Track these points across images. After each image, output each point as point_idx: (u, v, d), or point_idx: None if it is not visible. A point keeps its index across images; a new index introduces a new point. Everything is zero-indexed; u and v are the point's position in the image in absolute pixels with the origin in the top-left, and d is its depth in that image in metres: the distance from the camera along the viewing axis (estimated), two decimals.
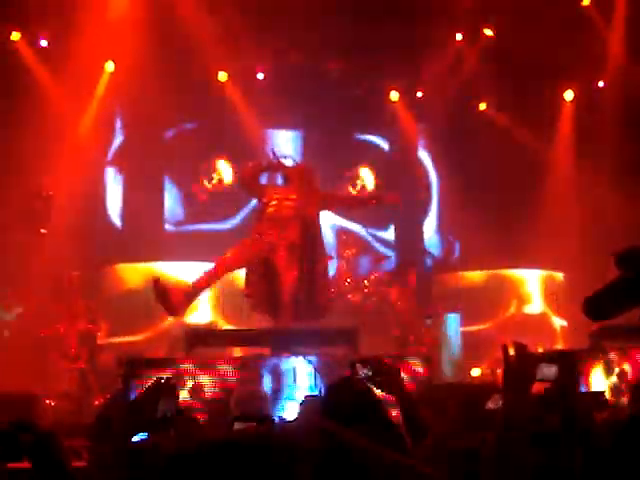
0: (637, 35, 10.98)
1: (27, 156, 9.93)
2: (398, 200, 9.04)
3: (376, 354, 7.28)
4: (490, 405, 5.99)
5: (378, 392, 2.99)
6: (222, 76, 11.47)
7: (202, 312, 10.59)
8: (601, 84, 12.08)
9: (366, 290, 10.86)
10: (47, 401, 8.14)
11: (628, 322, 7.56)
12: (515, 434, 2.19)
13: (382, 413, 2.61)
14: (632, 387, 5.74)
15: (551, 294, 11.74)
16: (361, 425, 2.51)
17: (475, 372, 10.16)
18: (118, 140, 11.83)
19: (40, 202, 10.09)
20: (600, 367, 6.81)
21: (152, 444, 3.28)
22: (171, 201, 12.04)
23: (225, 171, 11.99)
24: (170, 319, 9.77)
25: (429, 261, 12.88)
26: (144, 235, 11.07)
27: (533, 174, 12.16)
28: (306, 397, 4.95)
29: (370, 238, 12.57)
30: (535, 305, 11.78)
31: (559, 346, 10.90)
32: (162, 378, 3.15)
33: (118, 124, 11.78)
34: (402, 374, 3.26)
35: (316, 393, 6.24)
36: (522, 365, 2.24)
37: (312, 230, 8.26)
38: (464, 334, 10.39)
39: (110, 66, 11.02)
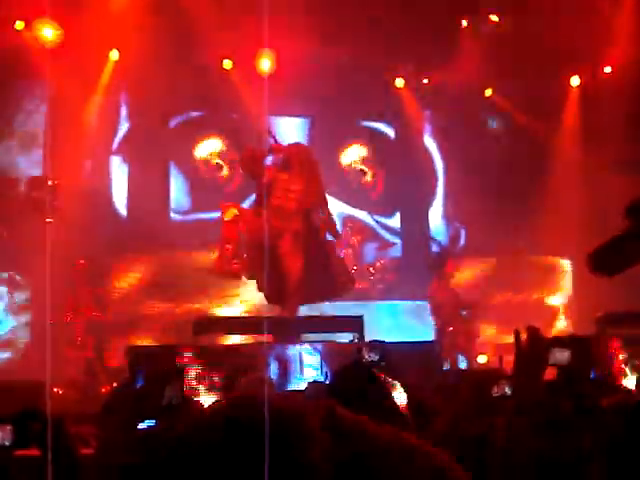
0: None
1: (31, 145, 9.93)
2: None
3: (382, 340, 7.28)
4: (496, 391, 5.98)
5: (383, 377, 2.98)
6: (227, 64, 11.44)
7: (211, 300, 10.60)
8: (608, 70, 12.01)
9: (372, 277, 10.86)
10: (54, 389, 8.17)
11: (635, 309, 7.56)
12: (526, 419, 2.18)
13: (388, 399, 2.59)
14: None
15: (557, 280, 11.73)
16: (367, 410, 2.50)
17: (481, 359, 10.15)
18: (123, 129, 11.81)
19: (45, 191, 10.09)
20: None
21: (159, 430, 3.29)
22: (177, 190, 12.02)
23: (229, 158, 11.97)
24: (178, 307, 9.78)
25: (436, 248, 12.86)
26: (150, 224, 11.06)
27: (539, 160, 12.12)
28: (310, 383, 4.96)
29: (376, 225, 12.55)
30: (541, 292, 11.77)
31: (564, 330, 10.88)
32: (169, 366, 3.16)
33: (123, 113, 11.76)
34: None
35: (321, 379, 6.24)
36: (535, 349, 2.21)
37: (314, 218, 8.28)
38: None
39: (115, 54, 10.99)
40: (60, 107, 10.39)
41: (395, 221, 12.78)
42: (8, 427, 2.77)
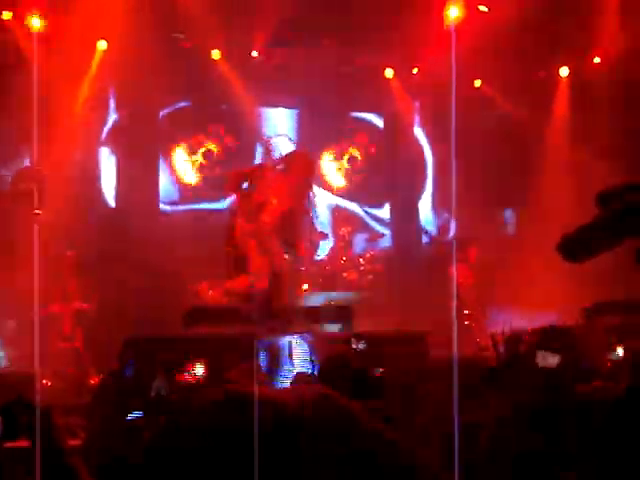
0: (633, 9, 10.92)
1: (18, 137, 9.88)
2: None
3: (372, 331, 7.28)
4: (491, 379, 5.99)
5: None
6: (215, 54, 11.40)
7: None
8: (597, 60, 12.02)
9: (362, 268, 10.85)
10: (43, 381, 8.15)
11: (627, 298, 7.58)
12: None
13: (375, 387, 2.60)
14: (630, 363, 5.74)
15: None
16: (356, 399, 2.50)
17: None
18: (112, 119, 11.76)
19: (33, 183, 10.05)
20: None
21: (145, 421, 3.29)
22: (166, 181, 11.99)
23: (218, 149, 11.94)
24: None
25: (426, 239, 12.88)
26: (139, 215, 11.03)
27: (528, 150, 12.14)
28: (298, 374, 4.96)
29: (365, 216, 12.55)
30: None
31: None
32: (156, 358, 3.16)
33: (111, 103, 11.70)
34: None
35: (309, 370, 6.25)
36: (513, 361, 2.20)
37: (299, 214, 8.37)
38: None
39: (103, 44, 10.94)
40: (48, 98, 10.33)
41: (385, 212, 12.79)
42: None
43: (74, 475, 2.74)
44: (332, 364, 2.73)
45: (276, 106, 12.24)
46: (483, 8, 11.44)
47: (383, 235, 12.30)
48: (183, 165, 11.92)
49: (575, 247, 2.77)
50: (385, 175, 12.58)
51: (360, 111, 12.72)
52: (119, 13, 10.23)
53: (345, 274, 10.74)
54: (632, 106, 11.39)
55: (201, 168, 11.92)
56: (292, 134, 11.95)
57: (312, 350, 6.75)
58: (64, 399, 7.51)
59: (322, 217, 11.75)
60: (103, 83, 11.14)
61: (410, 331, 8.86)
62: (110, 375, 6.08)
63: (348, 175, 12.57)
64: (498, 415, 2.19)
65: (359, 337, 2.76)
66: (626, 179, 10.65)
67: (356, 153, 12.58)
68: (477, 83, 12.43)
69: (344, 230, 11.07)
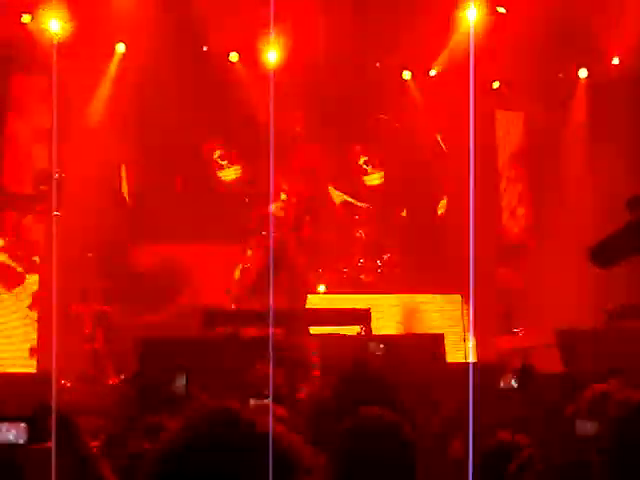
0: None
1: (37, 139, 9.95)
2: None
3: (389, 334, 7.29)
4: (502, 385, 5.98)
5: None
6: (233, 56, 11.45)
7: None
8: (616, 61, 11.97)
9: (379, 271, 10.86)
10: (62, 382, 8.21)
11: None
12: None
13: (393, 396, 2.61)
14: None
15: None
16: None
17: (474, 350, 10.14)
18: (129, 121, 11.81)
19: (53, 185, 10.12)
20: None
21: (165, 422, 3.31)
22: (184, 181, 12.02)
23: (233, 150, 11.96)
24: (185, 300, 9.82)
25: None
26: (158, 216, 11.09)
27: (547, 153, 12.10)
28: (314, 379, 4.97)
29: (383, 218, 12.53)
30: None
31: None
32: (176, 360, 3.20)
33: (129, 105, 11.75)
34: None
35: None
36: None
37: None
38: None
39: (121, 47, 11.00)
40: (67, 100, 10.40)
41: (403, 215, 12.75)
42: (22, 425, 2.79)
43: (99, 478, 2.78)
44: (351, 375, 2.73)
45: (292, 108, 12.25)
46: (501, 10, 11.43)
47: (400, 237, 12.28)
48: (200, 165, 11.96)
49: (605, 254, 2.81)
50: (403, 178, 12.55)
51: (377, 112, 12.70)
52: (137, 17, 10.30)
53: (363, 276, 10.75)
54: None
55: (217, 167, 11.93)
56: (308, 135, 11.98)
57: (331, 352, 6.77)
58: (84, 400, 7.56)
59: (340, 219, 11.78)
60: (121, 86, 11.20)
61: (426, 334, 8.87)
62: (130, 376, 6.12)
63: (365, 178, 12.56)
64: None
65: (377, 342, 2.77)
66: None
67: (373, 155, 12.56)
68: (495, 85, 12.40)
69: (361, 232, 11.07)
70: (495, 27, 11.45)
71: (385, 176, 12.31)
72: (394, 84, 12.22)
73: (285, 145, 10.97)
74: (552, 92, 12.09)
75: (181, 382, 4.79)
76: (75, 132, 10.49)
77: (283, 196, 9.05)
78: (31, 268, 10.27)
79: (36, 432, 2.77)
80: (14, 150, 10.79)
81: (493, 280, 10.27)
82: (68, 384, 8.39)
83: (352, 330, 7.88)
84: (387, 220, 12.53)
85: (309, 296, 9.35)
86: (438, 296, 10.83)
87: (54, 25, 10.59)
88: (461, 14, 11.39)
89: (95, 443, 4.75)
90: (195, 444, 1.45)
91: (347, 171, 12.27)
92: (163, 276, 10.74)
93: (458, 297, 10.36)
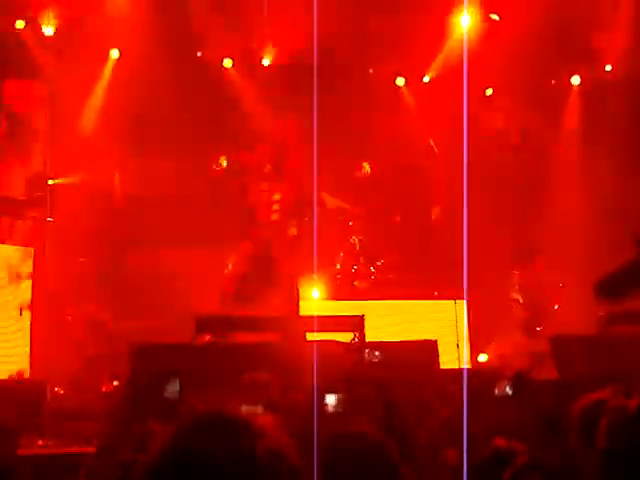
0: None
1: (31, 144, 9.93)
2: None
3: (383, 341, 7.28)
4: (497, 392, 5.98)
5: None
6: (227, 62, 11.45)
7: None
8: (609, 68, 12.01)
9: (373, 277, 10.85)
10: (55, 388, 8.17)
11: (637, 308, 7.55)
12: None
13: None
14: None
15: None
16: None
17: (482, 358, 10.14)
18: (123, 127, 11.80)
19: (46, 190, 10.11)
20: None
21: (158, 428, 3.30)
22: (179, 186, 12.00)
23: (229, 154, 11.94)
24: (179, 305, 9.80)
25: None
26: (151, 221, 11.08)
27: (539, 160, 12.13)
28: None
29: (377, 224, 12.52)
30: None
31: None
32: (169, 365, 3.18)
33: (123, 111, 11.74)
34: None
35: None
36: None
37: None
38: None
39: (115, 53, 11.00)
40: (60, 105, 10.39)
41: (396, 220, 12.75)
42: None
43: None
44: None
45: (286, 113, 12.25)
46: (494, 17, 11.47)
47: (394, 243, 12.28)
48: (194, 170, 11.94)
49: (611, 290, 2.85)
50: (397, 183, 12.56)
51: (370, 119, 12.71)
52: (131, 22, 10.31)
53: (356, 282, 10.74)
54: None
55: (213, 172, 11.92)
56: (303, 142, 11.97)
57: (325, 359, 6.75)
58: (77, 406, 7.53)
59: (333, 225, 11.78)
60: (115, 91, 11.19)
61: (420, 340, 8.86)
62: (122, 382, 6.10)
63: (358, 182, 12.55)
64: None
65: (372, 348, 2.76)
66: (635, 186, 10.61)
67: (367, 161, 12.55)
68: (489, 92, 12.43)
69: (355, 238, 11.06)
70: (488, 34, 11.49)
71: (378, 182, 12.31)
72: (388, 90, 12.24)
73: (277, 149, 10.96)
74: (545, 98, 12.12)
75: (174, 388, 4.78)
76: (68, 137, 10.48)
77: (276, 196, 9.02)
78: (24, 274, 10.24)
79: None
80: (6, 154, 10.77)
81: (509, 283, 10.23)
82: (61, 391, 8.36)
83: (346, 337, 7.88)
84: (381, 226, 12.53)
85: (302, 302, 9.34)
86: (432, 302, 10.82)
87: (48, 30, 10.59)
88: (454, 21, 11.43)
89: (88, 448, 4.74)
90: (186, 455, 1.43)
91: (340, 177, 12.26)
92: (156, 281, 10.71)
93: (452, 303, 10.36)
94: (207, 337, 6.26)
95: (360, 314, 7.99)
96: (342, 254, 10.85)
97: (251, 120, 11.34)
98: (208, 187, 11.95)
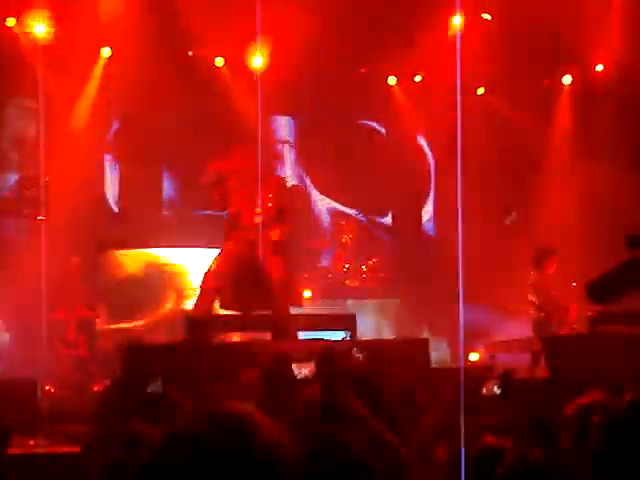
0: (635, 18, 10.95)
1: (22, 143, 9.90)
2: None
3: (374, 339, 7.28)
4: (484, 392, 5.99)
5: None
6: (218, 61, 11.44)
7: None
8: (600, 68, 12.04)
9: (364, 276, 10.86)
10: (46, 387, 8.16)
11: (627, 308, 7.59)
12: None
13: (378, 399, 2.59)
14: None
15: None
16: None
17: (473, 357, 10.16)
18: (115, 125, 11.79)
19: (37, 190, 10.07)
20: None
21: (144, 429, 3.30)
22: (169, 186, 12.01)
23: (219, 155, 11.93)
24: (169, 305, 9.80)
25: None
26: (142, 220, 11.06)
27: (531, 159, 12.16)
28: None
29: (368, 224, 12.54)
30: None
31: None
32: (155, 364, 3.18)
33: (115, 109, 11.73)
34: None
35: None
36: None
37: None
38: None
39: (106, 52, 10.98)
40: (51, 104, 10.36)
41: (387, 219, 12.78)
42: None
43: None
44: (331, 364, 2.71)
45: (277, 114, 12.25)
46: (487, 16, 11.48)
47: (386, 242, 12.28)
48: (186, 170, 11.92)
49: (603, 292, 2.87)
50: (388, 182, 12.56)
51: (363, 118, 12.73)
52: (122, 21, 10.28)
53: (347, 281, 10.75)
54: (635, 114, 11.42)
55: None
56: (294, 142, 12.00)
57: (316, 357, 6.76)
58: (68, 406, 7.51)
59: (325, 225, 11.79)
60: (106, 90, 11.17)
61: (411, 338, 8.89)
62: (113, 382, 6.09)
63: (349, 182, 12.56)
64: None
65: (360, 347, 2.77)
66: (626, 184, 10.67)
67: (357, 160, 12.56)
68: (480, 91, 12.44)
69: (346, 238, 11.07)
70: (480, 33, 11.50)
71: (370, 181, 12.32)
72: (380, 90, 12.24)
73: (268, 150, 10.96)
74: (537, 98, 12.14)
75: (156, 387, 4.78)
76: (60, 136, 10.45)
77: (258, 202, 9.00)
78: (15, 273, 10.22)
79: None
80: None
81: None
82: (52, 390, 8.34)
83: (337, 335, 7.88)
84: (372, 225, 12.55)
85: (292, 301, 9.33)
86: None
87: (39, 29, 10.56)
88: (447, 20, 11.44)
89: (78, 448, 4.73)
90: (186, 455, 1.43)
91: (332, 175, 12.27)
92: (148, 281, 10.70)
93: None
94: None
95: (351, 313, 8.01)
96: (335, 251, 10.86)
97: (242, 120, 11.33)
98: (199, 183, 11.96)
